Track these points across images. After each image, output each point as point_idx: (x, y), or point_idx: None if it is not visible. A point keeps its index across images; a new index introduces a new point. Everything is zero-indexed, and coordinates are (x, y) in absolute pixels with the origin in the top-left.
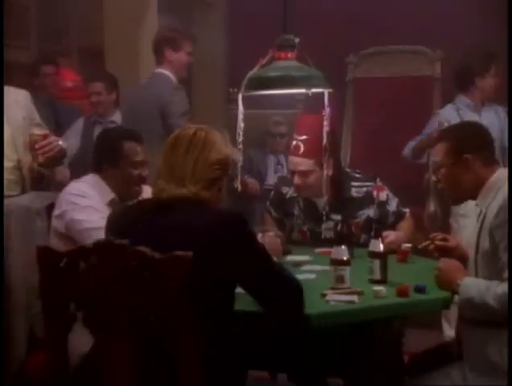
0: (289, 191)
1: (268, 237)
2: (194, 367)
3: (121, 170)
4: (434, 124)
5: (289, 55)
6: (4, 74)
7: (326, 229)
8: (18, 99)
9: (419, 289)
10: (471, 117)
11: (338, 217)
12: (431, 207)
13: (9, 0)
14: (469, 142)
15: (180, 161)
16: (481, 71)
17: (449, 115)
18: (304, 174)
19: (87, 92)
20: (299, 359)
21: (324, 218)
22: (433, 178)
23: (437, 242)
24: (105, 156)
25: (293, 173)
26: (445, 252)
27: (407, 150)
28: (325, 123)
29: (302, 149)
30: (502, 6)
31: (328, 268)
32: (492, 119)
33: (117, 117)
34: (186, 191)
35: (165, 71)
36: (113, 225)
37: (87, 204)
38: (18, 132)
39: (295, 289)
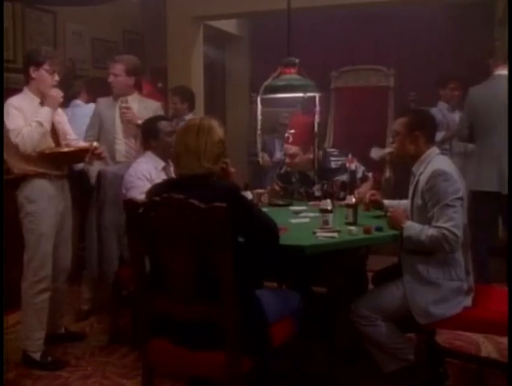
0: (287, 168)
1: (256, 193)
2: (228, 273)
3: (160, 141)
4: None
5: (292, 70)
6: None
7: (316, 190)
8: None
9: (378, 229)
10: (448, 115)
11: (324, 181)
12: (387, 173)
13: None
14: (420, 123)
15: (194, 142)
16: (443, 85)
17: (435, 114)
18: (292, 156)
19: (169, 102)
20: (297, 274)
21: (314, 182)
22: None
23: (372, 197)
24: (149, 134)
25: (285, 155)
26: (375, 202)
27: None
28: (316, 116)
29: (291, 139)
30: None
31: (317, 214)
32: (457, 119)
33: (188, 117)
34: (202, 170)
35: None
36: (151, 194)
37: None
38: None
39: (271, 228)
